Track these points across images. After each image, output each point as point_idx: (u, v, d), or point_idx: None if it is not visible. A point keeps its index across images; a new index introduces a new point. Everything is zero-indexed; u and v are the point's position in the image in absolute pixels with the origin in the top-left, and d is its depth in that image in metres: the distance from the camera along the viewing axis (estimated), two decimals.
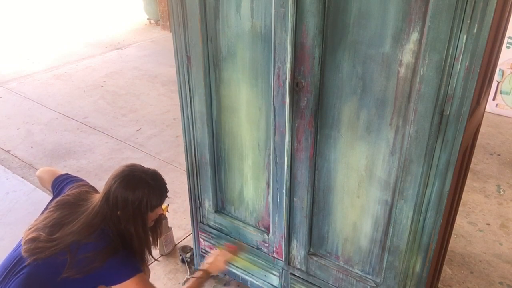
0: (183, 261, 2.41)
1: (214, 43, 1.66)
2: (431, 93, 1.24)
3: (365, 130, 1.44)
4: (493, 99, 4.12)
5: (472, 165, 3.01)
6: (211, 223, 2.09)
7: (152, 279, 1.98)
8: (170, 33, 5.80)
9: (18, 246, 1.57)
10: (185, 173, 2.06)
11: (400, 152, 1.40)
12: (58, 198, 1.64)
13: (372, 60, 1.33)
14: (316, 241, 1.77)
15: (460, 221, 2.75)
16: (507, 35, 3.33)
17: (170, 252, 2.49)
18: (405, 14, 1.22)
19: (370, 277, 1.69)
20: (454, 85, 1.20)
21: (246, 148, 1.79)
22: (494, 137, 3.80)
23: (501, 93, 4.10)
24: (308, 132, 1.55)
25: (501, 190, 3.09)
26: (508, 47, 3.90)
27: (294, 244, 1.82)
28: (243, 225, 1.97)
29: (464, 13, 1.11)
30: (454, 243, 2.57)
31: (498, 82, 4.07)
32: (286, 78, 1.49)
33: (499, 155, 3.54)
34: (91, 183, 1.78)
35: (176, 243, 2.56)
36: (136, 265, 1.56)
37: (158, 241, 1.83)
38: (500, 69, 3.99)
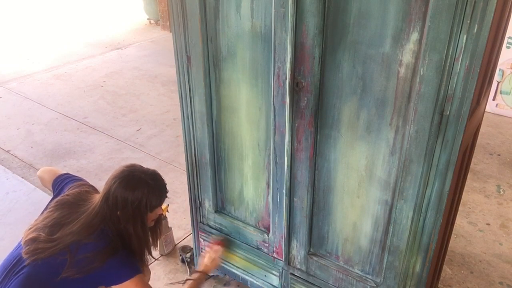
0: (183, 261, 2.41)
1: (214, 43, 1.66)
2: (431, 93, 1.24)
3: (365, 130, 1.44)
4: (493, 99, 4.12)
5: (472, 165, 3.01)
6: (211, 223, 2.09)
7: (152, 279, 1.98)
8: (170, 33, 5.80)
9: (18, 246, 1.57)
10: (185, 173, 2.06)
11: (400, 152, 1.40)
12: (58, 198, 1.64)
13: (372, 60, 1.33)
14: (316, 241, 1.77)
15: (460, 221, 2.75)
16: (507, 35, 3.33)
17: (170, 252, 2.49)
18: (405, 14, 1.22)
19: (370, 277, 1.69)
20: (454, 85, 1.20)
21: (246, 148, 1.79)
22: (494, 137, 3.80)
23: (501, 93, 4.10)
24: (308, 132, 1.55)
25: (501, 190, 3.09)
26: (508, 47, 3.90)
27: (294, 244, 1.82)
28: (243, 225, 1.97)
29: (464, 13, 1.11)
30: (454, 243, 2.57)
31: (498, 82, 4.07)
32: (286, 78, 1.49)
33: (499, 155, 3.54)
34: (91, 183, 1.79)
35: (176, 243, 2.56)
36: (136, 265, 1.56)
37: (158, 241, 1.83)
38: (500, 69, 3.99)
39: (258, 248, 1.96)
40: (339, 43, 1.37)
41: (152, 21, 7.46)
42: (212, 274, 2.28)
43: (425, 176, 1.36)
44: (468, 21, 1.11)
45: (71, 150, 3.64)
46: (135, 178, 1.55)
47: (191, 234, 2.26)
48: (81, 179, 1.78)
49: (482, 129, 2.13)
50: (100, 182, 2.21)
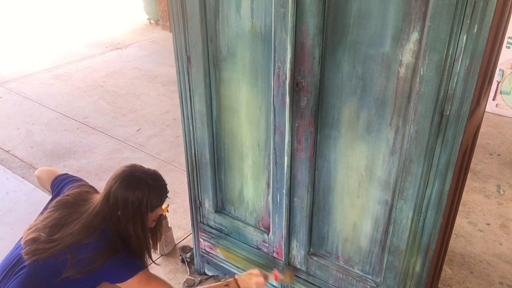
0: (183, 261, 2.41)
1: (214, 43, 1.66)
2: (431, 93, 1.24)
3: (365, 130, 1.44)
4: (493, 99, 4.12)
5: (472, 165, 3.00)
6: (211, 223, 2.09)
7: None
8: (170, 33, 5.79)
9: (18, 246, 1.57)
10: (185, 173, 2.06)
11: (400, 152, 1.40)
12: (58, 198, 1.64)
13: (372, 60, 1.33)
14: (316, 241, 1.77)
15: (460, 221, 2.75)
16: (507, 35, 3.33)
17: (170, 252, 2.49)
18: (405, 14, 1.22)
19: (370, 277, 1.69)
20: (454, 85, 1.20)
21: (246, 148, 1.79)
22: (494, 137, 3.80)
23: (501, 93, 4.10)
24: (308, 132, 1.55)
25: (501, 190, 3.09)
26: (508, 47, 3.90)
27: (294, 244, 1.82)
28: (243, 225, 1.97)
29: (464, 13, 1.11)
30: (454, 243, 2.57)
31: (498, 82, 4.07)
32: (286, 78, 1.49)
33: (499, 155, 3.54)
34: (91, 183, 1.78)
35: (176, 243, 2.56)
36: (137, 263, 1.56)
37: (158, 243, 1.83)
38: (500, 69, 3.99)
39: (258, 248, 1.96)
40: (339, 43, 1.37)
41: (152, 21, 7.46)
42: (211, 274, 2.28)
43: (425, 176, 1.36)
44: (468, 21, 1.11)
45: (71, 150, 3.64)
46: (135, 178, 1.55)
47: (191, 234, 2.26)
48: (80, 180, 1.78)
49: (482, 129, 2.13)
50: (100, 182, 2.22)
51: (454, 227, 2.27)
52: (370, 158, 1.48)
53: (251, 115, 1.71)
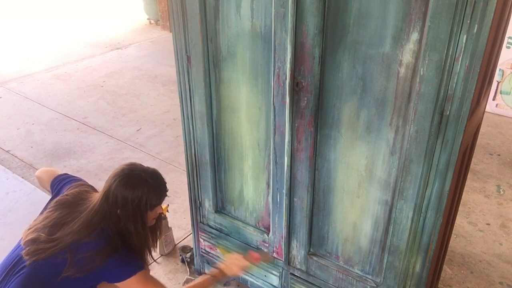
0: (183, 261, 2.41)
1: (214, 43, 1.66)
2: (431, 93, 1.24)
3: (365, 130, 1.44)
4: (493, 99, 4.12)
5: (472, 165, 3.01)
6: (211, 223, 2.09)
7: None
8: (170, 33, 5.79)
9: (18, 246, 1.57)
10: (185, 173, 2.06)
11: (400, 152, 1.40)
12: (57, 198, 1.64)
13: (372, 60, 1.33)
14: (316, 241, 1.77)
15: (460, 221, 2.75)
16: (507, 35, 3.33)
17: (170, 252, 2.49)
18: (405, 14, 1.22)
19: (370, 277, 1.69)
20: (454, 85, 1.20)
21: (246, 148, 1.79)
22: (494, 137, 3.80)
23: (501, 93, 4.10)
24: (308, 132, 1.55)
25: (501, 190, 3.09)
26: (508, 47, 3.90)
27: (294, 244, 1.82)
28: (243, 225, 1.97)
29: (464, 13, 1.11)
30: (454, 243, 2.57)
31: (498, 82, 4.07)
32: (286, 78, 1.49)
33: (499, 155, 3.54)
34: (91, 183, 1.78)
35: (176, 243, 2.56)
36: (137, 262, 1.56)
37: (158, 242, 1.83)
38: (500, 69, 3.99)
39: (258, 248, 1.96)
40: (339, 43, 1.37)
41: (152, 21, 7.46)
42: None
43: (425, 176, 1.36)
44: (468, 21, 1.11)
45: (71, 150, 3.64)
46: (135, 176, 1.55)
47: (191, 234, 2.26)
48: (80, 179, 1.78)
49: (482, 129, 2.13)
50: (100, 182, 2.21)
51: (454, 227, 2.27)
52: (370, 158, 1.48)
53: (251, 115, 1.71)
